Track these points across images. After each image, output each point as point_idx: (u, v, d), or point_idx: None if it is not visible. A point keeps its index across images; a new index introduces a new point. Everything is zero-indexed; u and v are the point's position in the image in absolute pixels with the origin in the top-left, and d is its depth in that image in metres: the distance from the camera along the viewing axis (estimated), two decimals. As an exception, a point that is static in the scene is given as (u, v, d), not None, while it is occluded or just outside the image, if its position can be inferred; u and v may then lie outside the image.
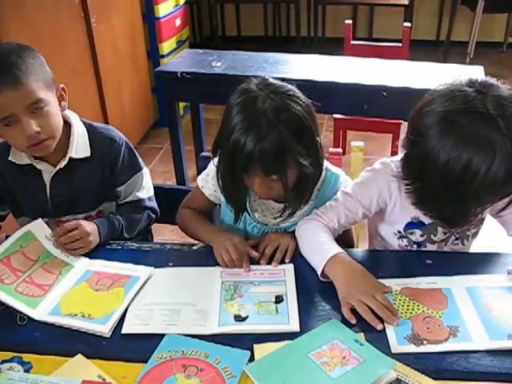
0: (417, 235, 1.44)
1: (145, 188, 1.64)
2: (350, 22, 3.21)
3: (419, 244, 1.46)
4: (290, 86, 1.32)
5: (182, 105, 3.90)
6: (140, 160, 1.65)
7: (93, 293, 1.29)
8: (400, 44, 3.14)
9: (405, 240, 1.47)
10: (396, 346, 1.09)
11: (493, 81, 1.20)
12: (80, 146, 1.53)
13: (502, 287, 1.25)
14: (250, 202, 1.48)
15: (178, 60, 2.93)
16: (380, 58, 2.82)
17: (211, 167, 1.50)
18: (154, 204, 1.66)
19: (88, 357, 1.11)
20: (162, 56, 3.83)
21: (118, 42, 3.36)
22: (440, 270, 1.30)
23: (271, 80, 1.32)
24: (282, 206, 1.41)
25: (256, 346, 1.11)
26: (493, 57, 5.36)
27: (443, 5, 5.42)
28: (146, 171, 1.66)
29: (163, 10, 3.78)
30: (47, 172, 1.53)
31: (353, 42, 3.19)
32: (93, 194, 1.58)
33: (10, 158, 1.51)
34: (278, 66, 2.72)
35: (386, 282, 1.26)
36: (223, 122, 1.32)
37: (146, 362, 1.08)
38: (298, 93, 1.31)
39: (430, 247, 1.46)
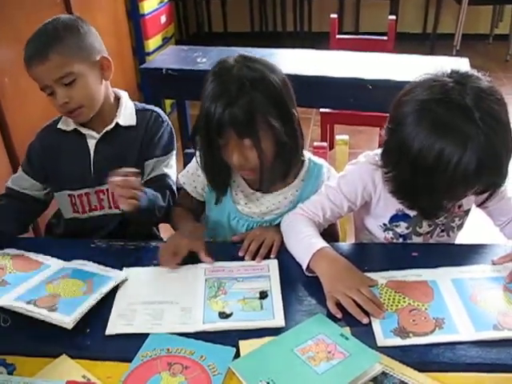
0: (402, 227, 1.44)
1: (172, 168, 1.65)
2: (336, 16, 3.21)
3: (405, 236, 1.46)
4: (267, 60, 1.36)
5: (169, 102, 3.89)
6: (175, 144, 1.69)
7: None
8: (385, 37, 3.14)
9: (390, 233, 1.46)
10: (382, 340, 1.09)
11: (474, 72, 1.21)
12: (127, 116, 1.62)
13: (487, 278, 1.25)
14: (233, 194, 1.50)
15: (163, 57, 2.92)
16: (366, 51, 2.82)
17: (191, 164, 1.53)
18: (174, 187, 1.63)
19: (72, 357, 1.09)
20: (148, 53, 3.82)
21: (102, 40, 3.33)
22: (426, 263, 1.29)
23: (250, 54, 1.36)
24: (264, 196, 1.46)
25: (241, 343, 1.10)
26: (479, 49, 5.38)
27: (429, -2, 5.44)
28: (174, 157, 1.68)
29: (148, 6, 3.77)
30: (92, 138, 1.60)
31: (338, 36, 3.19)
32: (132, 162, 1.59)
33: (58, 126, 1.62)
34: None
35: (372, 275, 1.26)
36: (201, 96, 1.35)
37: (130, 361, 1.07)
38: (275, 66, 1.36)
39: (416, 239, 1.45)
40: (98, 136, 1.59)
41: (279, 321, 1.15)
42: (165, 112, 2.91)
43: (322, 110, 3.12)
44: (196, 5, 5.20)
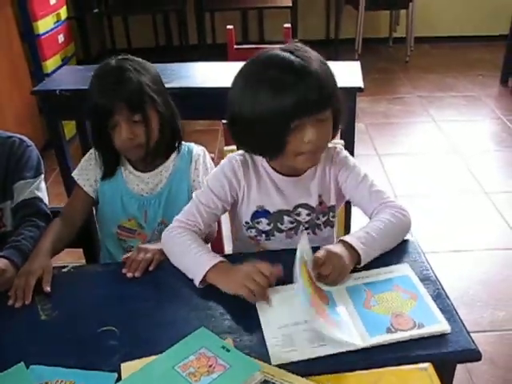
0: (263, 224, 1.48)
1: (43, 191, 1.64)
2: (232, 27, 3.22)
3: (267, 233, 1.49)
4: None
5: (73, 124, 3.79)
6: (43, 169, 1.68)
7: None
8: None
9: (253, 230, 1.50)
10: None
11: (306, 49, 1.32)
12: None
13: (381, 280, 1.26)
14: (124, 177, 1.66)
15: (57, 78, 2.84)
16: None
17: (82, 161, 1.69)
18: (48, 211, 1.63)
19: None
20: (47, 74, 3.69)
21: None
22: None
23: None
24: (148, 176, 1.65)
25: (123, 365, 1.07)
26: (381, 52, 5.58)
27: (329, 5, 5.57)
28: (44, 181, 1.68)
29: (43, 26, 3.65)
30: None
31: (236, 47, 3.20)
32: None
33: None
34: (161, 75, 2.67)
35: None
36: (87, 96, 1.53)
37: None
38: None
39: (279, 236, 1.49)
40: None
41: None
42: (62, 135, 2.84)
43: (224, 121, 3.12)
44: (97, 22, 5.08)
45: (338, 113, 1.36)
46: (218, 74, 2.75)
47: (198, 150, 1.71)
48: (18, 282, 1.32)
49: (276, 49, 1.31)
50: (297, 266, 1.14)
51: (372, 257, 1.31)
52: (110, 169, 1.64)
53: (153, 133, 1.55)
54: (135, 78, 1.50)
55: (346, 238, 1.31)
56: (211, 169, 1.66)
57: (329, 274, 1.24)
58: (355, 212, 1.59)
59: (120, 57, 1.56)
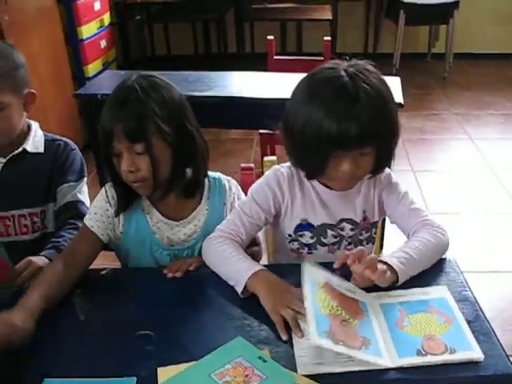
0: (307, 237, 1.48)
1: (85, 194, 1.66)
2: (272, 37, 3.25)
3: (310, 246, 1.49)
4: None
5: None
6: (86, 172, 1.71)
7: None
8: (322, 58, 3.19)
9: (295, 243, 1.50)
10: (316, 337, 1.07)
11: (368, 69, 1.32)
12: (36, 143, 1.62)
13: (416, 301, 1.25)
14: (150, 226, 1.47)
15: (98, 82, 2.90)
16: (302, 72, 2.84)
17: (96, 203, 1.46)
18: None
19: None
20: (89, 78, 3.76)
21: (39, 67, 3.27)
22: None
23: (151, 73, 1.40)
24: (179, 224, 1.47)
25: (160, 370, 1.08)
26: (419, 67, 5.53)
27: (368, 19, 5.56)
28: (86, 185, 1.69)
29: (87, 31, 3.74)
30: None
31: (276, 57, 3.23)
32: (40, 190, 1.61)
33: None
34: (197, 84, 2.69)
35: (314, 270, 1.26)
36: None
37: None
38: (173, 86, 1.40)
39: (321, 250, 1.49)
40: (3, 160, 1.58)
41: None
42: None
43: (261, 131, 3.15)
44: (138, 28, 5.17)
45: (387, 146, 1.34)
46: (256, 84, 2.78)
47: (232, 187, 1.55)
48: None
49: (341, 66, 1.30)
50: (307, 294, 1.17)
51: (409, 276, 1.30)
52: (123, 200, 1.43)
53: (159, 168, 1.34)
54: (139, 101, 1.30)
55: (385, 258, 1.31)
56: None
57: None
58: (388, 229, 1.58)
59: (143, 73, 1.38)
